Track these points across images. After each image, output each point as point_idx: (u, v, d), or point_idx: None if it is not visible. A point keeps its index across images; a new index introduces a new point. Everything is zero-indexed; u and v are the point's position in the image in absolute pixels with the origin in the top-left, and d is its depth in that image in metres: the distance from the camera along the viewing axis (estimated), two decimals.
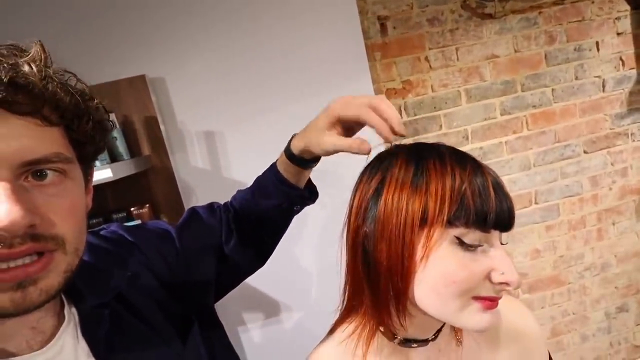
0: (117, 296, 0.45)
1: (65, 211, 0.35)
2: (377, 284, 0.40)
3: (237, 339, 1.34)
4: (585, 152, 1.49)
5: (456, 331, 0.48)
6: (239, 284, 0.63)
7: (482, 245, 0.38)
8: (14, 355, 0.35)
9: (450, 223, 0.37)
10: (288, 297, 1.33)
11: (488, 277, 0.38)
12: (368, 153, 0.46)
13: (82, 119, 0.38)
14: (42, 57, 0.35)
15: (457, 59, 1.34)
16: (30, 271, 0.32)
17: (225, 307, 1.30)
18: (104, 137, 0.41)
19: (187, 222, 0.60)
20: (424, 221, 0.37)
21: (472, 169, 0.38)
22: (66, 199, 0.35)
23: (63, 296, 0.42)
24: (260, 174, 0.62)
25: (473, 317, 0.39)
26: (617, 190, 1.54)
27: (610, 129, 1.49)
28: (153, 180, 1.19)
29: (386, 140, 0.46)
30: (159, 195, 1.20)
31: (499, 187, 0.38)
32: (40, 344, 0.37)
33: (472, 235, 0.37)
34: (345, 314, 0.48)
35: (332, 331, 0.49)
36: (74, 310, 0.42)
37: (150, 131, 1.18)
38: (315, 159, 0.58)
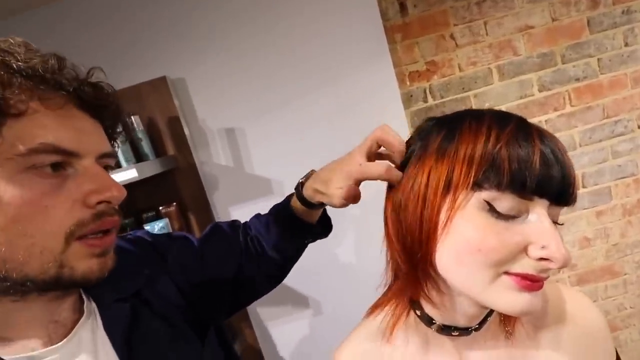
0: (137, 293, 0.47)
1: None
2: (404, 251, 0.38)
3: (268, 335, 1.34)
4: (639, 127, 1.33)
5: (505, 322, 0.42)
6: (251, 302, 0.64)
7: (519, 217, 0.33)
8: (36, 349, 0.37)
9: (479, 185, 0.33)
10: (321, 293, 1.31)
11: (526, 251, 0.33)
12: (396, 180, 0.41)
13: (116, 121, 0.45)
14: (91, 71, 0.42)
15: (487, 34, 1.23)
16: (112, 239, 0.39)
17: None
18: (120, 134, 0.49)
19: (210, 234, 0.62)
20: (450, 184, 0.34)
21: (515, 129, 0.33)
22: None
23: (82, 291, 0.43)
24: (274, 207, 0.62)
25: (505, 295, 0.33)
26: None
27: None
28: (179, 179, 1.22)
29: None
30: (185, 193, 1.22)
31: (550, 151, 0.33)
32: (60, 337, 0.38)
33: (507, 202, 0.32)
34: (384, 295, 0.45)
35: (368, 314, 0.47)
36: (93, 305, 0.43)
37: (173, 131, 1.21)
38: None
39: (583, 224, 1.38)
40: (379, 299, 0.46)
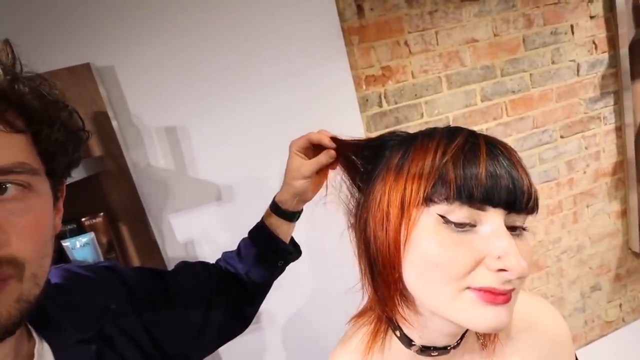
0: (99, 332, 0.41)
1: (27, 230, 0.31)
2: (373, 271, 0.38)
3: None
4: (561, 137, 1.49)
5: (479, 334, 0.43)
6: (219, 346, 0.61)
7: (475, 225, 0.32)
8: None
9: (430, 200, 0.33)
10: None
11: (485, 263, 0.32)
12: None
13: (53, 127, 0.35)
14: (10, 57, 0.33)
15: (437, 43, 1.27)
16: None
17: None
18: (78, 149, 0.38)
19: (178, 269, 0.61)
20: (404, 201, 0.35)
21: (462, 143, 0.34)
22: (28, 217, 0.31)
23: (34, 332, 0.36)
24: (246, 236, 0.65)
25: (470, 311, 0.32)
26: (590, 174, 1.56)
27: (585, 113, 1.50)
28: (106, 185, 1.04)
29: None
30: (115, 201, 1.05)
31: (498, 162, 0.33)
32: None
33: (460, 212, 0.32)
34: (363, 310, 0.46)
35: (354, 321, 0.47)
36: (46, 347, 0.36)
37: (100, 128, 1.03)
38: (300, 211, 0.63)
39: None
40: (358, 313, 0.46)
